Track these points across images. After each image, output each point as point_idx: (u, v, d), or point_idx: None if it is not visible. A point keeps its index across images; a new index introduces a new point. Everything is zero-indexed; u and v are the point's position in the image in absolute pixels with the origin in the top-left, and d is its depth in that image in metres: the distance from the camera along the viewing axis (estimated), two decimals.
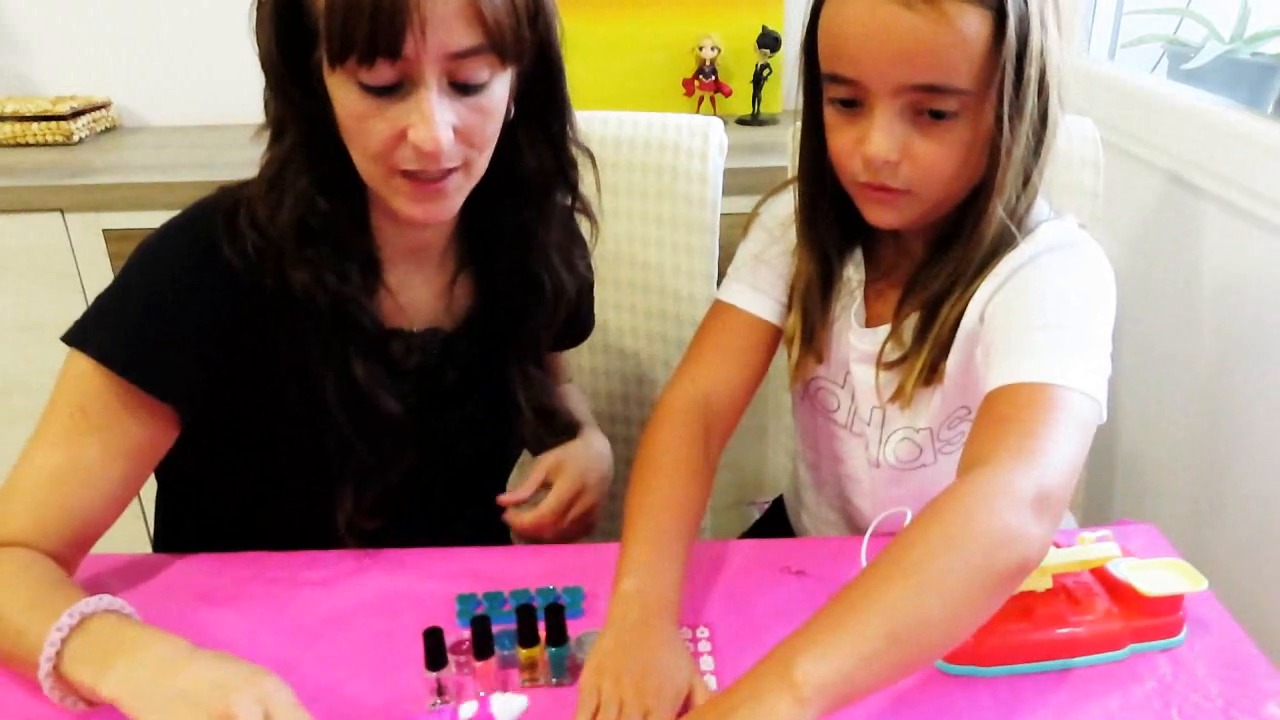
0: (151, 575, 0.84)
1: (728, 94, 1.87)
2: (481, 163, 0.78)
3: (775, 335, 0.93)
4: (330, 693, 0.71)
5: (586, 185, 0.90)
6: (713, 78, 1.85)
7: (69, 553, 0.77)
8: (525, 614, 0.72)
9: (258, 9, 0.73)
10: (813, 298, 0.89)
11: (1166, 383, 1.32)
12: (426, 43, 0.68)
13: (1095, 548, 0.75)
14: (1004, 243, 0.79)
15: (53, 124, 1.74)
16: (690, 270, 1.20)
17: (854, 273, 0.90)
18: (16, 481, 0.77)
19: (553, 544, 0.88)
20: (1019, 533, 0.62)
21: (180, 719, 0.59)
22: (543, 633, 0.72)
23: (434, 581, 0.83)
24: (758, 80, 1.83)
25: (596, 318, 1.09)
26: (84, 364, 0.76)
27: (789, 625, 0.77)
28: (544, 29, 0.77)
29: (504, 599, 0.80)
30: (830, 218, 0.87)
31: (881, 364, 0.86)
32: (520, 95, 0.80)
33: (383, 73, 0.69)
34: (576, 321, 1.02)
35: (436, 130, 0.70)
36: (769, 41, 1.81)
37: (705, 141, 1.16)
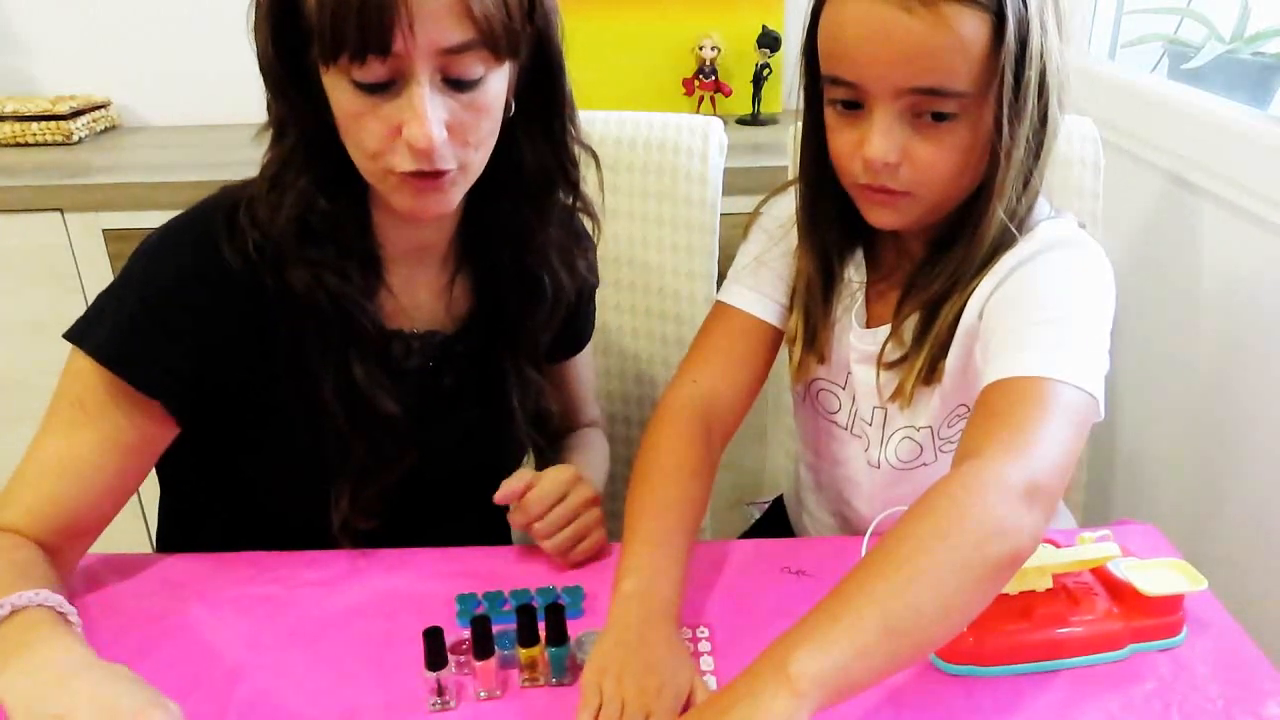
0: (151, 575, 0.84)
1: (728, 94, 1.87)
2: (479, 161, 0.77)
3: (776, 337, 0.94)
4: (330, 693, 0.71)
5: (589, 184, 0.90)
6: (713, 78, 1.85)
7: (59, 541, 0.78)
8: (525, 614, 0.72)
9: (255, 10, 0.73)
10: (814, 299, 0.89)
11: (1167, 382, 1.32)
12: (416, 39, 0.68)
13: (1095, 548, 0.75)
14: (1004, 242, 0.79)
15: (52, 124, 1.74)
16: (690, 270, 1.20)
17: (855, 273, 0.90)
18: (20, 471, 0.78)
19: (561, 561, 0.85)
20: (1010, 524, 0.63)
21: None
22: (543, 633, 0.72)
23: (434, 581, 0.83)
24: (758, 80, 1.83)
25: (596, 318, 1.08)
26: (81, 360, 0.77)
27: (789, 625, 0.77)
28: (542, 24, 0.77)
29: (504, 599, 0.80)
30: (831, 218, 0.87)
31: (882, 364, 0.86)
32: (520, 92, 0.80)
33: (374, 70, 0.69)
34: (575, 326, 1.02)
35: (429, 127, 0.70)
36: (769, 41, 1.81)
37: (705, 141, 1.16)
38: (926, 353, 0.83)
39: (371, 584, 0.83)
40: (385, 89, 0.70)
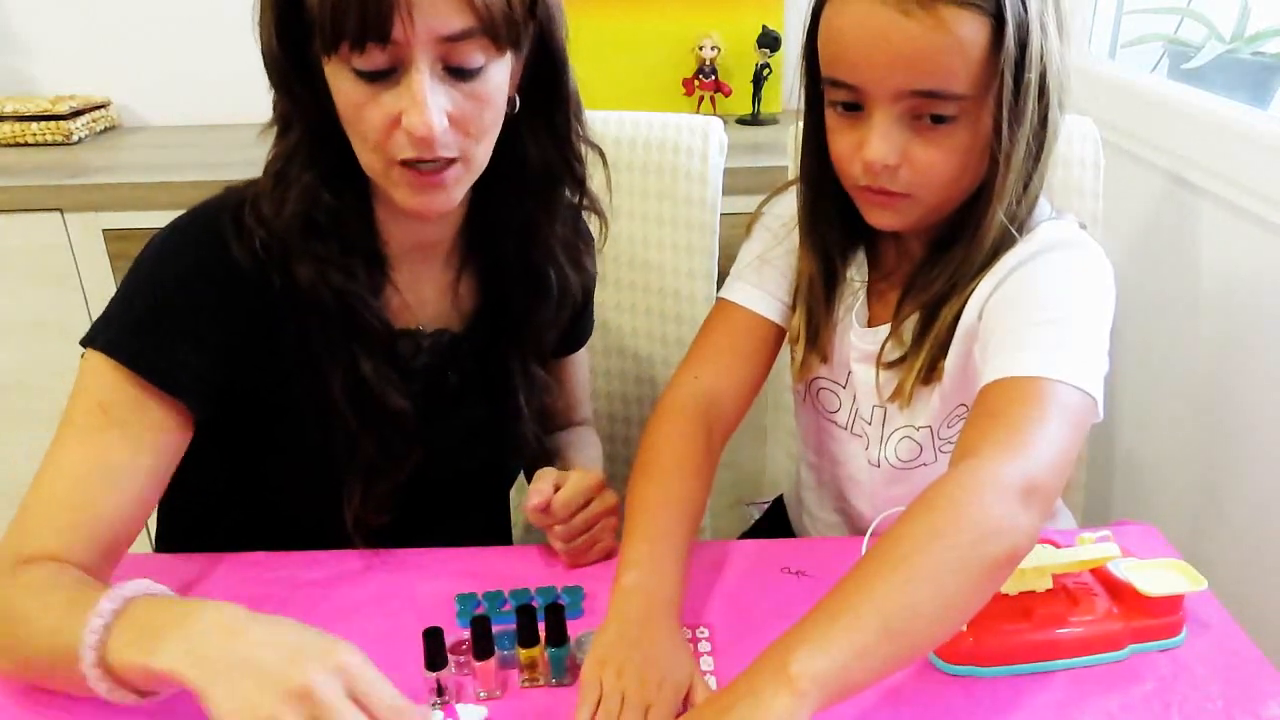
0: (152, 575, 0.83)
1: (728, 94, 1.87)
2: (481, 154, 0.77)
3: (778, 335, 0.94)
4: None
5: (596, 184, 0.90)
6: (713, 77, 1.85)
7: (100, 564, 0.74)
8: (525, 614, 0.72)
9: (259, 5, 0.73)
10: (816, 298, 0.89)
11: (1167, 382, 1.32)
12: (415, 26, 0.68)
13: (1095, 548, 0.75)
14: (1004, 243, 0.80)
15: (52, 124, 1.74)
16: (690, 270, 1.20)
17: (856, 273, 0.90)
18: (39, 492, 0.74)
19: (570, 561, 0.85)
20: (1006, 523, 0.63)
21: (247, 694, 0.56)
22: (543, 633, 0.72)
23: (434, 581, 0.83)
24: (758, 80, 1.83)
25: (596, 318, 1.08)
26: (98, 362, 0.75)
27: (789, 625, 0.77)
28: (544, 18, 0.77)
29: (504, 599, 0.80)
30: (832, 219, 0.87)
31: (881, 363, 0.86)
32: (524, 87, 0.80)
33: (374, 58, 0.69)
34: (577, 324, 1.02)
35: (429, 115, 0.70)
36: (769, 41, 1.81)
37: (705, 141, 1.16)
38: (926, 353, 0.83)
39: (371, 584, 0.83)
40: (386, 77, 0.71)
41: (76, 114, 1.77)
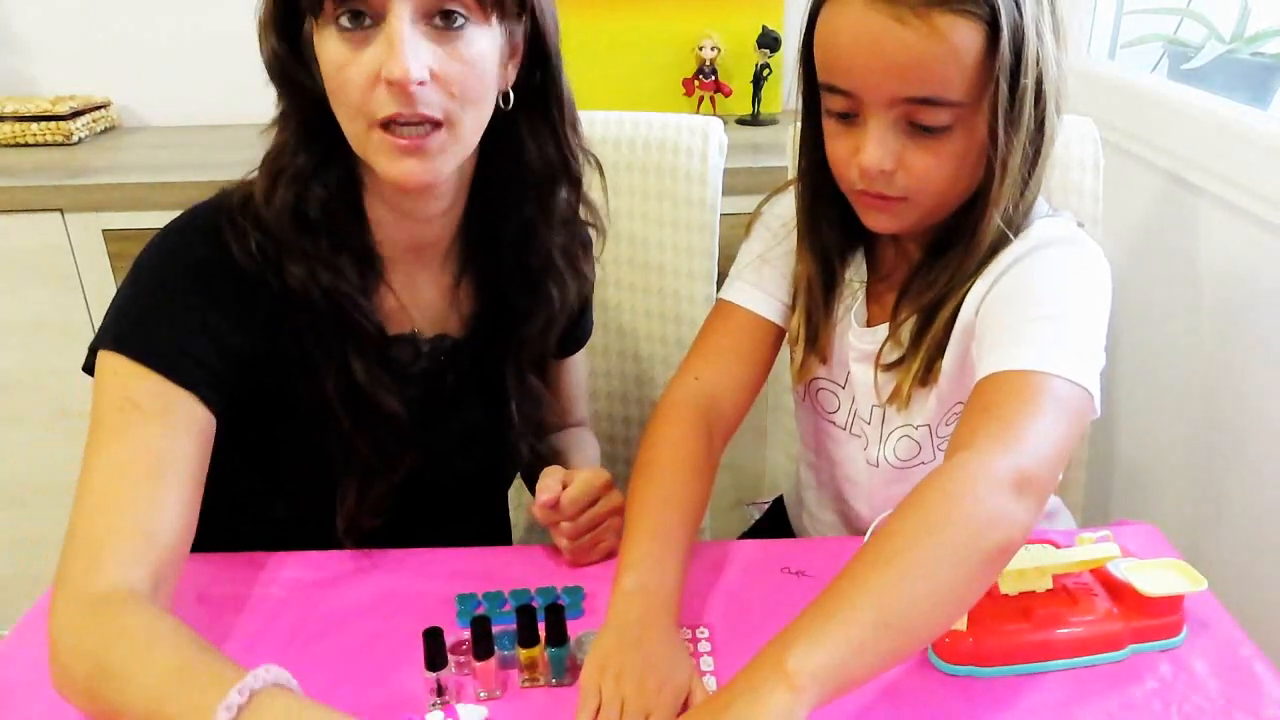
0: None
1: (728, 94, 1.87)
2: (468, 124, 0.76)
3: (778, 335, 0.94)
4: (330, 693, 0.70)
5: (593, 190, 0.90)
6: (713, 78, 1.85)
7: (169, 570, 0.70)
8: (525, 614, 0.72)
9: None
10: (815, 300, 0.89)
11: (1166, 383, 1.32)
12: None
13: (1095, 548, 0.75)
14: (1000, 243, 0.80)
15: (52, 124, 1.74)
16: (690, 270, 1.20)
17: (855, 273, 0.90)
18: (91, 500, 0.70)
19: (573, 560, 0.85)
20: (999, 515, 0.63)
21: None
22: (543, 633, 0.72)
23: (434, 581, 0.83)
24: (758, 80, 1.83)
25: (596, 318, 1.08)
26: (115, 361, 0.74)
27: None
28: (537, 12, 0.78)
29: (504, 599, 0.80)
30: (831, 221, 0.87)
31: (879, 365, 0.86)
32: (520, 85, 0.80)
33: (356, 6, 0.70)
34: (576, 328, 1.02)
35: (405, 59, 0.70)
36: (769, 41, 1.81)
37: (705, 141, 1.16)
38: (923, 355, 0.83)
39: (371, 584, 0.83)
40: (368, 30, 0.71)
41: (76, 114, 1.77)
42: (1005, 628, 0.72)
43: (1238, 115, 1.18)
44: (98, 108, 1.85)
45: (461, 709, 0.68)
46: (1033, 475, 0.65)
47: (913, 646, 0.63)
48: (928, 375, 0.84)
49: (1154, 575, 0.74)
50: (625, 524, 0.79)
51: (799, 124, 0.86)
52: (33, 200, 1.52)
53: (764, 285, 0.93)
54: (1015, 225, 0.80)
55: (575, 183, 0.87)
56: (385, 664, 0.74)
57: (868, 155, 0.76)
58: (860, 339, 0.89)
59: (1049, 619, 0.73)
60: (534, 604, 0.75)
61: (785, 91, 1.89)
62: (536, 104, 0.82)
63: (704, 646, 0.76)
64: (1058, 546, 0.77)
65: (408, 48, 0.70)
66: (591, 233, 0.95)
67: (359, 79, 0.72)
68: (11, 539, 1.73)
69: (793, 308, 0.92)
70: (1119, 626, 0.73)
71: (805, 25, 0.79)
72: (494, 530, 1.06)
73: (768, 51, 1.82)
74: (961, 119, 0.74)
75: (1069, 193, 1.10)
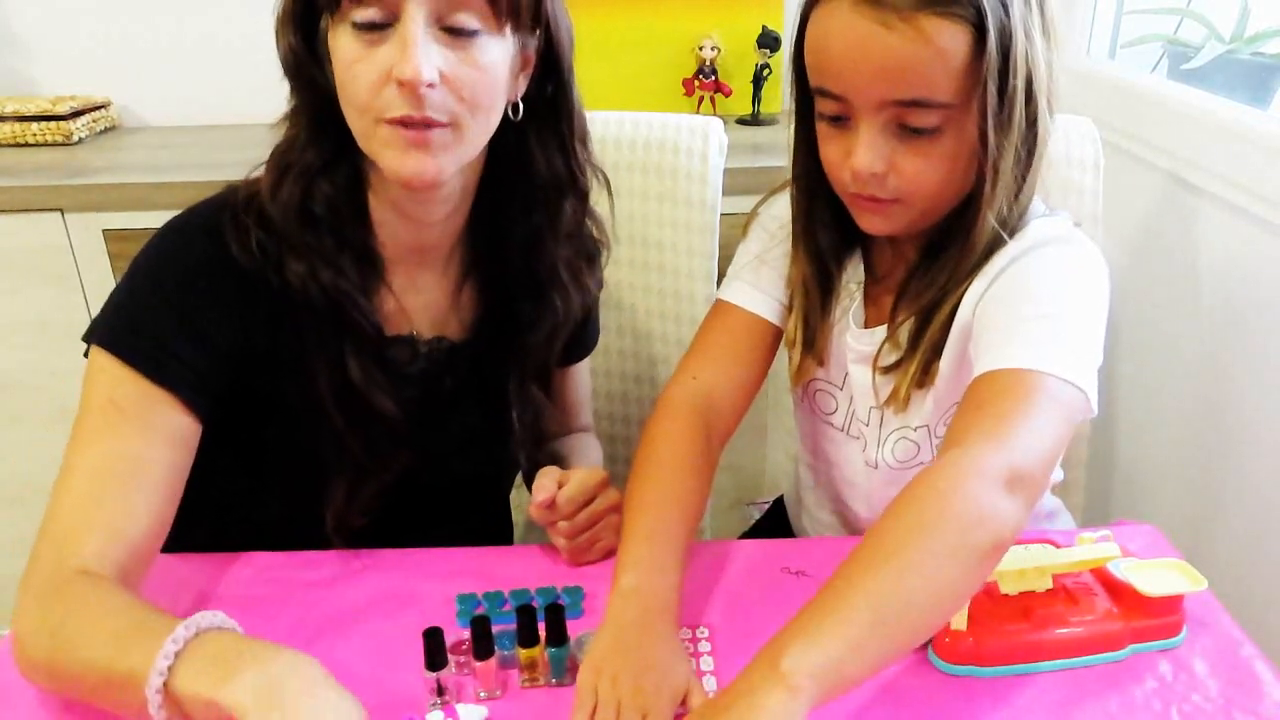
0: (151, 575, 0.84)
1: (728, 94, 1.87)
2: (474, 129, 0.77)
3: (776, 335, 0.94)
4: None
5: (600, 206, 0.91)
6: (713, 78, 1.85)
7: (133, 565, 0.72)
8: (525, 614, 0.72)
9: None
10: (812, 303, 0.89)
11: (1166, 383, 1.32)
12: None
13: (1095, 548, 0.75)
14: (996, 244, 0.80)
15: (52, 124, 1.74)
16: (690, 270, 1.20)
17: (852, 275, 0.90)
18: (66, 495, 0.73)
19: (571, 559, 0.85)
20: (990, 511, 0.63)
21: None
22: (543, 633, 0.72)
23: (434, 581, 0.83)
24: (758, 80, 1.83)
25: (599, 321, 1.09)
26: (103, 359, 0.76)
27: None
28: (551, 23, 0.79)
29: (504, 599, 0.80)
30: (826, 223, 0.87)
31: (877, 367, 0.86)
32: (531, 97, 0.81)
33: (372, 6, 0.71)
34: (581, 335, 1.02)
35: (417, 61, 0.71)
36: (769, 41, 1.81)
37: (705, 141, 1.16)
38: (920, 357, 0.83)
39: (371, 584, 0.83)
40: (381, 29, 0.72)
41: (76, 114, 1.77)
42: (1005, 628, 0.72)
43: (1238, 115, 1.18)
44: (98, 108, 1.85)
45: (461, 709, 0.68)
46: (1024, 472, 0.65)
47: (909, 644, 0.63)
48: (925, 377, 0.84)
49: (1154, 575, 0.75)
50: (623, 524, 0.79)
51: (792, 128, 0.86)
52: (33, 200, 1.52)
53: (762, 285, 0.93)
54: (1010, 226, 0.80)
55: (582, 196, 0.88)
56: (385, 664, 0.74)
57: (859, 158, 0.76)
58: (858, 341, 0.89)
59: (1049, 619, 0.73)
60: (534, 604, 0.75)
61: (785, 91, 1.88)
62: (547, 116, 0.83)
63: (704, 646, 0.76)
64: (1058, 546, 0.77)
65: (420, 50, 0.71)
66: (599, 246, 0.95)
67: (370, 76, 0.72)
68: (11, 539, 1.73)
69: (790, 309, 0.92)
70: (1119, 626, 0.73)
71: (796, 30, 0.79)
72: (494, 531, 1.06)
73: (768, 51, 1.82)
74: (951, 121, 0.74)
75: (1069, 193, 1.10)
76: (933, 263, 0.83)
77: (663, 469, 0.83)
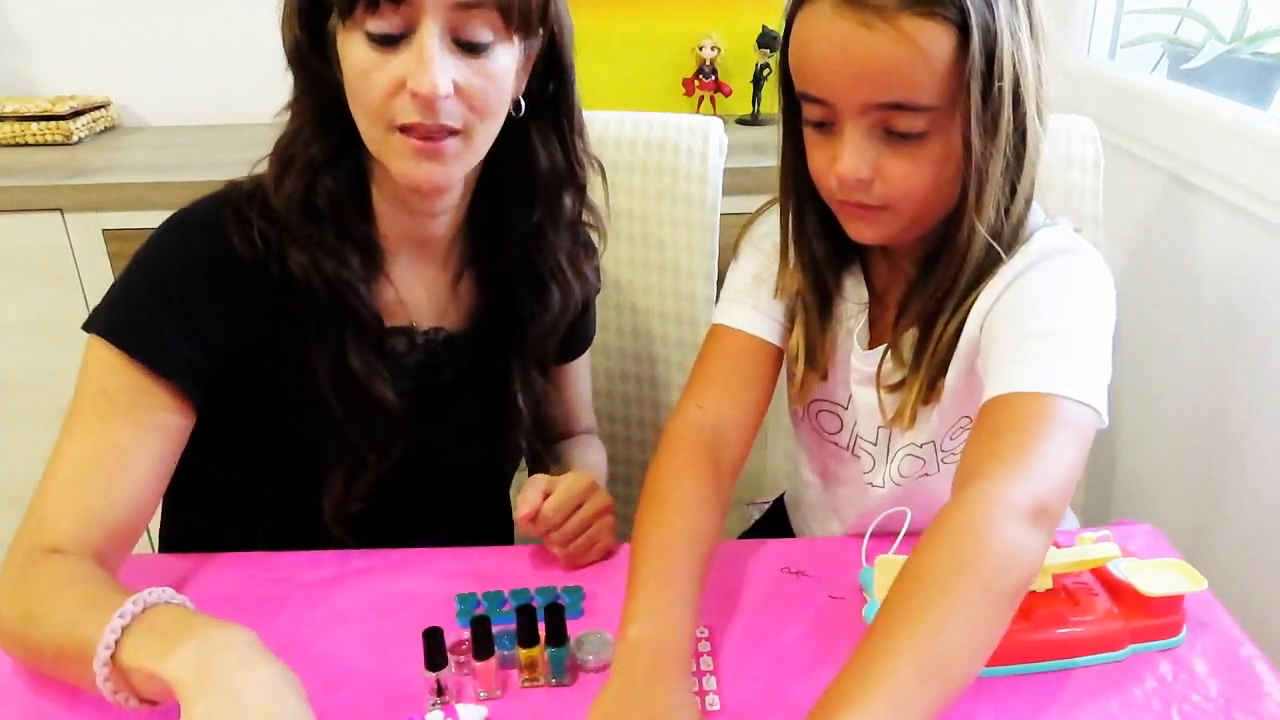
0: (152, 575, 0.83)
1: (728, 94, 1.87)
2: (483, 135, 0.78)
3: (778, 356, 0.91)
4: (330, 693, 0.70)
5: (595, 198, 0.91)
6: (713, 78, 1.85)
7: (112, 549, 0.75)
8: (525, 614, 0.72)
9: None
10: (810, 313, 0.87)
11: (1166, 383, 1.32)
12: None
13: (1095, 548, 0.75)
14: (995, 257, 0.78)
15: (52, 124, 1.74)
16: (691, 270, 1.20)
17: (854, 293, 0.89)
18: (51, 479, 0.75)
19: (569, 564, 0.84)
20: (1020, 549, 0.63)
21: (218, 716, 0.57)
22: (543, 633, 0.72)
23: (434, 581, 0.83)
24: (758, 80, 1.83)
25: (597, 318, 1.08)
26: (99, 348, 0.77)
27: (789, 625, 0.77)
28: (555, 25, 0.79)
29: (504, 599, 0.80)
30: (818, 232, 0.86)
31: (882, 386, 0.85)
32: (533, 93, 0.81)
33: (387, 19, 0.71)
34: (578, 332, 1.02)
35: (434, 74, 0.71)
36: (769, 41, 1.81)
37: (705, 141, 1.16)
38: (924, 374, 0.82)
39: (371, 584, 0.83)
40: (395, 41, 0.72)
41: (76, 114, 1.77)
42: None
43: (1238, 115, 1.18)
44: (98, 108, 1.85)
45: (461, 709, 0.68)
46: (1047, 504, 0.65)
47: (953, 694, 0.60)
48: (930, 393, 0.82)
49: (1154, 575, 0.74)
50: (630, 565, 0.75)
51: (780, 138, 0.84)
52: (33, 200, 1.52)
53: (760, 306, 0.90)
54: (1006, 235, 0.78)
55: (580, 189, 0.89)
56: (385, 664, 0.74)
57: (844, 164, 0.75)
58: (862, 361, 0.88)
59: (1049, 619, 0.73)
60: (534, 604, 0.75)
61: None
62: (548, 113, 0.83)
63: (704, 646, 0.76)
64: (1058, 546, 0.76)
65: (436, 64, 0.71)
66: (593, 235, 0.95)
67: (383, 85, 0.73)
68: (11, 539, 1.73)
69: (790, 327, 0.90)
70: (1119, 626, 0.73)
71: (783, 34, 0.78)
72: (495, 524, 1.06)
73: (768, 51, 1.81)
74: (937, 124, 0.73)
75: (1070, 192, 1.10)
76: (930, 276, 0.81)
77: (668, 508, 0.79)
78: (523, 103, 0.81)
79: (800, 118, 0.80)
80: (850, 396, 0.91)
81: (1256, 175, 1.11)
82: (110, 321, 0.78)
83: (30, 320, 1.58)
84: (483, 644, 0.70)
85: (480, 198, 0.86)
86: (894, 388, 0.85)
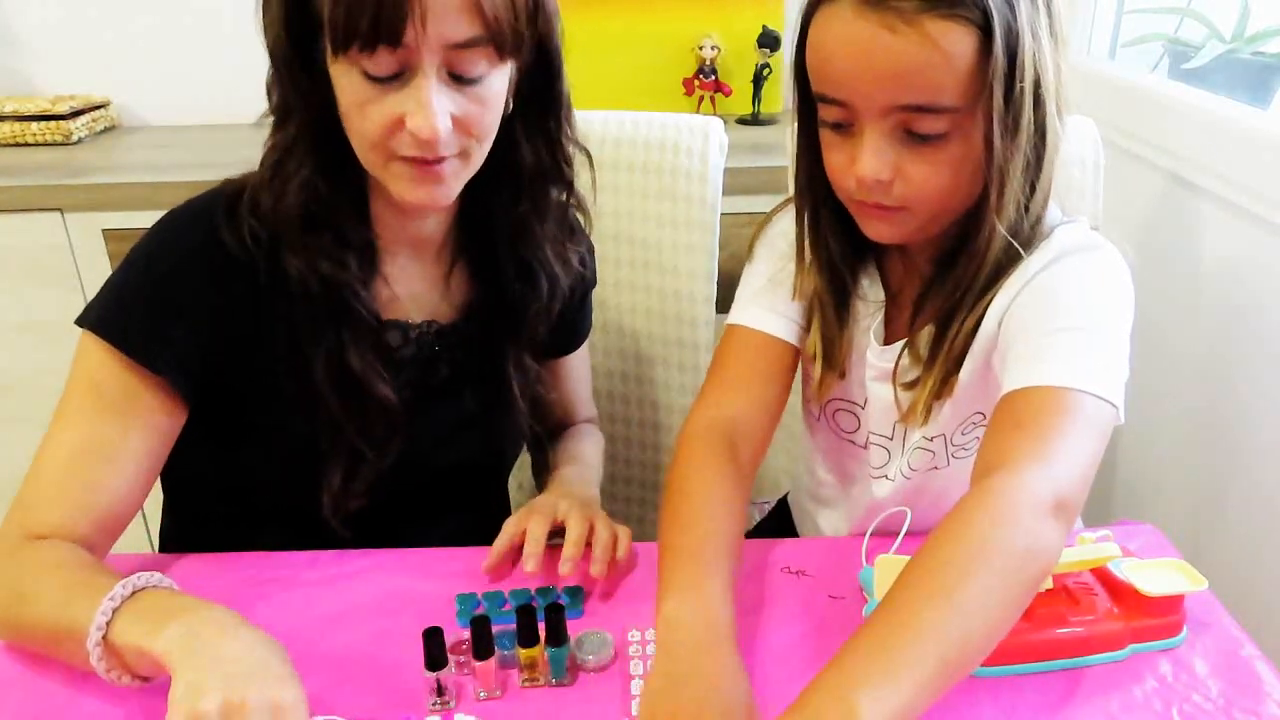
0: None
1: (728, 94, 1.87)
2: (480, 152, 0.79)
3: (795, 356, 0.91)
4: (330, 693, 0.70)
5: (582, 184, 0.90)
6: (713, 77, 1.86)
7: (98, 538, 0.78)
8: (525, 614, 0.72)
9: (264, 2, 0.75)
10: (827, 313, 0.87)
11: (1166, 382, 1.32)
12: (426, 33, 0.69)
13: (1095, 548, 0.75)
14: (1014, 255, 0.78)
15: (52, 124, 1.74)
16: (691, 269, 1.20)
17: (871, 291, 0.89)
18: (39, 469, 0.78)
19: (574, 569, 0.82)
20: (1041, 542, 0.63)
21: (204, 683, 0.59)
22: (543, 633, 0.72)
23: (434, 581, 0.83)
24: (758, 80, 1.83)
25: (596, 317, 1.09)
26: (91, 343, 0.78)
27: (789, 625, 0.77)
28: (544, 26, 0.78)
29: (504, 599, 0.80)
30: (835, 231, 0.86)
31: (898, 382, 0.85)
32: (519, 91, 0.81)
33: (384, 61, 0.71)
34: (573, 323, 1.02)
35: (434, 119, 0.72)
36: (769, 41, 1.81)
37: (705, 141, 1.16)
38: (939, 370, 0.82)
39: (372, 584, 0.83)
40: (392, 80, 0.72)
41: (76, 114, 1.77)
42: None
43: (1238, 115, 1.18)
44: (98, 107, 1.85)
45: (459, 719, 0.68)
46: (1068, 498, 0.65)
47: (961, 676, 0.61)
48: (943, 388, 0.82)
49: (1154, 575, 0.74)
50: (659, 561, 0.75)
51: (795, 137, 0.84)
52: (33, 200, 1.52)
53: (777, 307, 0.90)
54: (1025, 234, 0.78)
55: (568, 183, 0.89)
56: (385, 664, 0.74)
57: (864, 165, 0.75)
58: (879, 358, 0.87)
59: (1049, 619, 0.73)
60: (534, 604, 0.75)
61: (785, 91, 1.90)
62: (536, 109, 0.83)
63: None
64: None
65: (435, 106, 0.72)
66: (580, 218, 0.95)
67: (381, 120, 0.73)
68: None
69: (807, 327, 0.89)
70: (1119, 626, 0.73)
71: (797, 36, 0.78)
72: (494, 521, 1.06)
73: (768, 51, 1.82)
74: (958, 126, 0.73)
75: (1070, 192, 1.10)
76: (946, 274, 0.81)
77: (693, 506, 0.78)
78: (512, 103, 0.81)
79: (816, 118, 0.79)
80: (866, 394, 0.91)
81: (1256, 175, 1.11)
82: (102, 317, 0.78)
83: (30, 320, 1.59)
84: (483, 644, 0.70)
85: (469, 193, 0.86)
86: (910, 385, 0.85)
